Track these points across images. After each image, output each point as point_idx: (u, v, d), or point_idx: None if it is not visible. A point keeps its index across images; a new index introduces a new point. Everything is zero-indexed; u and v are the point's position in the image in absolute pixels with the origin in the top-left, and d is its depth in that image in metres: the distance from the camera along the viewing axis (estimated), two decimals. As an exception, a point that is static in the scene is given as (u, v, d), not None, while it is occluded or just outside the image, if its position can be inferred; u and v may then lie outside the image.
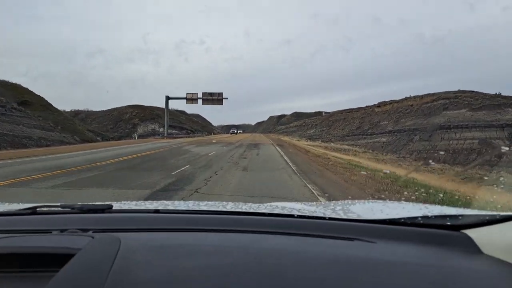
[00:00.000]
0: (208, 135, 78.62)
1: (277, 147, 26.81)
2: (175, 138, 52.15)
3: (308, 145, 45.89)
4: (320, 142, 73.59)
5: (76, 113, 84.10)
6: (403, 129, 63.56)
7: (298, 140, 65.72)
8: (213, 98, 52.79)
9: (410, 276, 0.81)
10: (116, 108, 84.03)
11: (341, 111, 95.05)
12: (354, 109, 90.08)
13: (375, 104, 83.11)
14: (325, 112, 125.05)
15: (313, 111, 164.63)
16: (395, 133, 64.22)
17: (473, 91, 64.11)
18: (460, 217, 1.17)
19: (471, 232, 1.05)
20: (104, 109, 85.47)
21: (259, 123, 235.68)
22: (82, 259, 0.81)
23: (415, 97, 71.42)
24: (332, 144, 60.11)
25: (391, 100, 78.45)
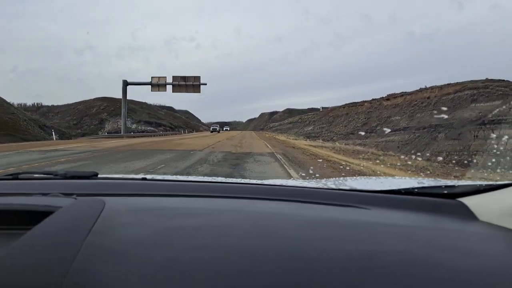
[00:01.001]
0: (189, 132, 67.20)
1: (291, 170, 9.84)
2: (134, 137, 40.35)
3: (310, 145, 35.75)
4: (321, 141, 63.13)
5: (38, 107, 72.79)
6: (422, 125, 53.22)
7: (296, 139, 55.33)
8: (187, 84, 40.21)
9: (404, 237, 0.80)
10: (82, 101, 72.24)
11: (343, 106, 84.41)
12: (358, 103, 79.59)
13: (383, 97, 72.73)
14: (323, 108, 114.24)
15: (307, 108, 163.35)
16: (413, 131, 53.80)
17: (503, 80, 53.95)
18: (455, 186, 1.17)
19: (467, 200, 1.03)
20: (70, 102, 73.46)
21: (250, 120, 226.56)
22: (61, 217, 0.76)
23: (432, 88, 61.13)
24: (337, 144, 49.70)
25: (402, 92, 68.11)
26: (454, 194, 1.08)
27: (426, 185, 1.23)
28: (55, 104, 75.89)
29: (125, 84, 41.95)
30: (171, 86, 40.97)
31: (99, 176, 1.37)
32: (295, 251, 0.68)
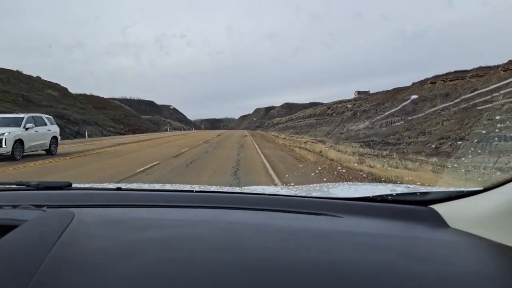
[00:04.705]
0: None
1: None
2: None
3: None
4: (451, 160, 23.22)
5: None
6: None
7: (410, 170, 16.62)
8: None
9: (375, 246, 0.80)
10: None
11: (432, 79, 43.67)
12: (468, 71, 39.61)
13: (499, 65, 32.71)
14: (359, 92, 73.92)
15: (308, 102, 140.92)
16: None
17: None
18: (427, 193, 1.18)
19: (438, 207, 1.04)
20: None
21: (243, 117, 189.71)
22: (26, 230, 0.75)
23: None
24: None
25: None
26: (427, 201, 1.08)
27: (399, 192, 1.23)
28: None
29: None
30: None
31: (73, 186, 1.33)
32: (266, 262, 0.68)
